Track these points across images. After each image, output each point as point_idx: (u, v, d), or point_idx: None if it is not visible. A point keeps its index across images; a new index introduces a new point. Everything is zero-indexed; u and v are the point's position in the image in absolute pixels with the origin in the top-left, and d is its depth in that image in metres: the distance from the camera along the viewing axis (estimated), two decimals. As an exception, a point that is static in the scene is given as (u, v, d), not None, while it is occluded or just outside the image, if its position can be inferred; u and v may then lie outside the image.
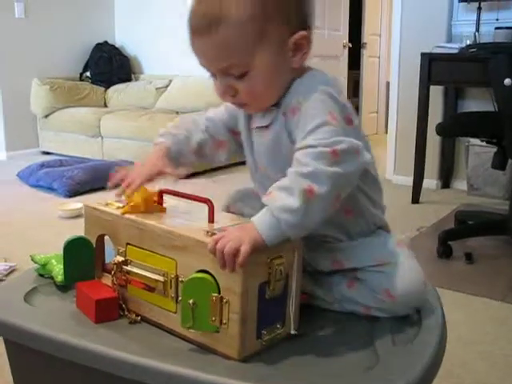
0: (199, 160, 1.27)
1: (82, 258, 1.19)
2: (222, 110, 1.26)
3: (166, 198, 1.19)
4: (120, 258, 1.12)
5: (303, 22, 1.05)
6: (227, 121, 1.25)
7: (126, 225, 1.12)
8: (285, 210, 0.94)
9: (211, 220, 1.06)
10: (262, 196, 1.04)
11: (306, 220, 0.95)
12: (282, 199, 0.94)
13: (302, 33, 1.03)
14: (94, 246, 1.20)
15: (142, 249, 1.09)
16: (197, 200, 1.09)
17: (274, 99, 1.09)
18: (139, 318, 1.11)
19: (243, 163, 1.21)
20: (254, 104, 1.11)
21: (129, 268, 1.11)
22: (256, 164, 1.17)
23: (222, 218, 1.10)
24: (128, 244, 1.12)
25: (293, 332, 1.03)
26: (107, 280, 1.16)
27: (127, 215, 1.12)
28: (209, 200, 1.07)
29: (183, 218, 1.11)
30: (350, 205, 1.10)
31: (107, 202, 1.20)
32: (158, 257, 1.06)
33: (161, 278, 1.05)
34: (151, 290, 1.07)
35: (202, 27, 1.00)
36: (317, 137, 0.97)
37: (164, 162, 1.18)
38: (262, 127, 1.12)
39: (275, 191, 0.97)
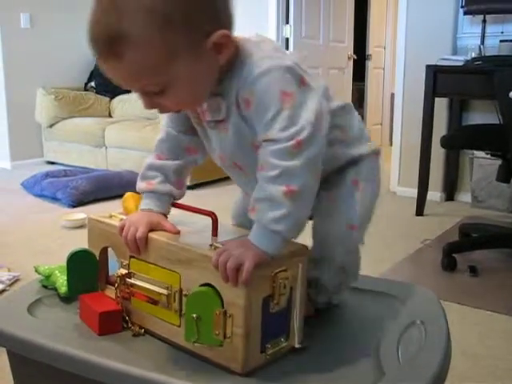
0: (186, 177, 1.22)
1: (86, 270, 1.18)
2: (167, 120, 1.20)
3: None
4: (123, 271, 1.12)
5: (217, 21, 0.96)
6: (180, 125, 1.18)
7: None
8: (276, 220, 0.93)
9: (215, 233, 1.06)
10: (240, 184, 1.15)
11: (300, 216, 0.96)
12: (269, 211, 0.94)
13: (220, 32, 0.95)
14: (98, 258, 1.19)
15: (146, 262, 1.09)
16: (201, 213, 1.08)
17: (205, 96, 1.04)
18: (143, 330, 1.11)
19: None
20: (186, 109, 1.10)
21: (132, 281, 1.11)
22: (222, 158, 1.13)
23: (226, 231, 1.09)
24: (131, 257, 1.11)
25: (297, 346, 1.03)
26: (111, 292, 1.16)
27: None
28: (213, 213, 1.06)
29: (188, 231, 1.11)
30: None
31: (111, 214, 1.20)
32: (162, 270, 1.05)
33: (164, 292, 1.04)
34: (155, 303, 1.07)
35: (104, 52, 0.93)
36: (275, 129, 0.94)
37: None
38: (217, 121, 1.07)
39: (258, 204, 0.96)
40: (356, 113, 1.18)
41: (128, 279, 1.11)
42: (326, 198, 1.12)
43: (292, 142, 0.93)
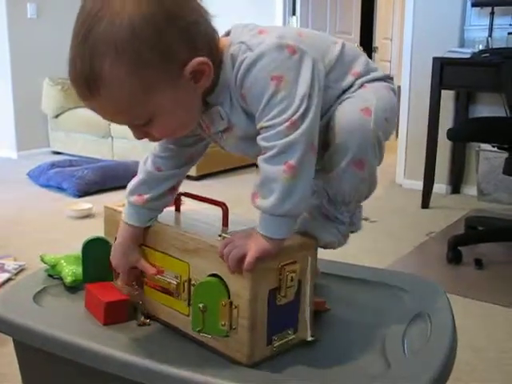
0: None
1: (101, 257, 1.19)
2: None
3: (185, 200, 1.21)
4: None
5: (193, 49, 0.94)
6: (177, 141, 1.16)
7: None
8: (279, 203, 0.93)
9: (225, 224, 1.06)
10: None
11: (301, 191, 0.95)
12: (271, 194, 0.94)
13: (196, 60, 0.93)
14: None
15: (157, 251, 1.09)
16: (212, 203, 1.09)
17: (194, 122, 1.05)
18: (148, 320, 1.12)
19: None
20: (176, 136, 1.08)
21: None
22: (234, 153, 1.15)
23: (238, 222, 1.09)
24: (143, 245, 1.12)
25: (310, 339, 1.03)
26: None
27: None
28: (223, 203, 1.07)
29: (199, 221, 1.11)
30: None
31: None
32: (172, 259, 1.06)
33: (174, 281, 1.05)
34: (165, 292, 1.08)
35: (83, 93, 0.93)
36: (270, 115, 0.95)
37: (134, 256, 1.14)
38: (223, 130, 1.07)
39: (259, 190, 0.95)
40: (354, 47, 1.16)
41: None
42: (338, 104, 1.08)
43: (286, 124, 0.93)
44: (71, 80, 0.94)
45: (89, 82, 0.91)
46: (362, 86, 1.10)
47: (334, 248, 1.14)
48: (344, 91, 1.09)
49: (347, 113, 1.05)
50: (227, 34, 1.05)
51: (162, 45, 0.91)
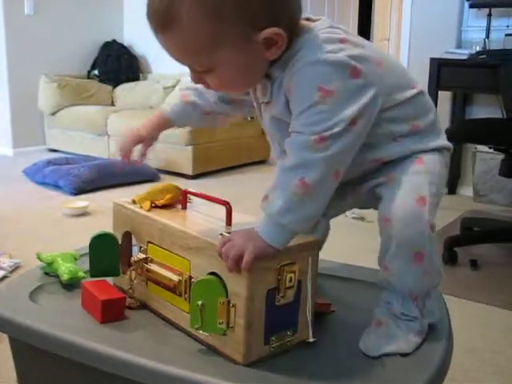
0: (223, 109, 1.29)
1: (108, 253, 1.19)
2: None
3: (192, 198, 1.22)
4: (141, 256, 1.15)
5: (273, 19, 0.95)
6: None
7: (147, 223, 1.14)
8: (282, 212, 0.93)
9: (229, 222, 1.07)
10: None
11: (308, 211, 0.94)
12: (278, 201, 0.93)
13: (272, 30, 0.94)
14: (121, 241, 1.21)
15: (162, 248, 1.10)
16: (216, 202, 1.10)
17: (251, 85, 1.09)
18: (139, 303, 1.16)
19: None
20: (230, 92, 1.13)
21: (148, 266, 1.13)
22: (271, 138, 1.17)
23: (242, 221, 1.09)
24: (149, 242, 1.13)
25: (311, 340, 1.03)
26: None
27: (149, 214, 1.15)
28: (227, 202, 1.07)
29: (204, 220, 1.12)
30: (378, 155, 1.07)
31: (134, 199, 1.22)
32: (175, 256, 1.07)
33: (176, 278, 1.06)
34: (168, 288, 1.08)
35: (157, 26, 0.97)
36: (304, 122, 0.94)
37: (151, 131, 1.28)
38: (266, 102, 1.09)
39: (270, 193, 0.95)
40: (429, 100, 1.13)
41: (145, 264, 1.14)
42: (385, 180, 1.07)
43: (315, 137, 0.92)
44: (148, 14, 0.98)
45: (164, 18, 0.95)
46: (417, 158, 1.07)
47: (409, 351, 1.03)
48: (395, 138, 1.06)
49: (400, 203, 1.02)
50: (315, 19, 1.05)
51: (245, 5, 0.93)
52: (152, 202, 1.18)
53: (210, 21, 0.93)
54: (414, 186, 1.03)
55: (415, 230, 1.02)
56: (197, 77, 1.03)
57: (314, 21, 1.04)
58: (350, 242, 2.97)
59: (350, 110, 0.94)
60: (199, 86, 1.16)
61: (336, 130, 0.92)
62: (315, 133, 0.92)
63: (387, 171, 1.07)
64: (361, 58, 0.97)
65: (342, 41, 0.99)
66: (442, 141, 1.12)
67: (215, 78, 1.01)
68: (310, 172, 0.92)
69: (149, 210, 1.16)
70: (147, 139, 1.29)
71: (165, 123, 1.30)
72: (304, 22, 1.03)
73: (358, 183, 1.12)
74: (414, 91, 1.08)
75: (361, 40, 1.04)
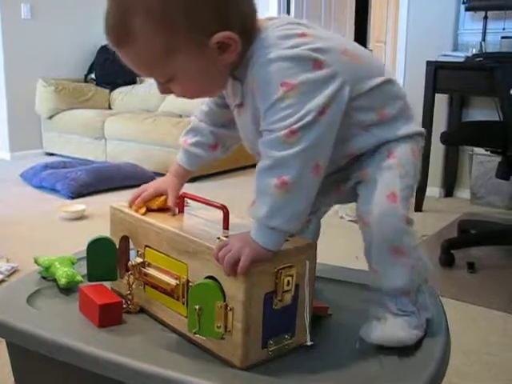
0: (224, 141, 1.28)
1: (105, 257, 1.19)
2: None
3: (190, 202, 1.22)
4: (139, 260, 1.15)
5: (224, 23, 0.96)
6: (218, 101, 1.23)
7: (145, 228, 1.14)
8: (270, 216, 0.93)
9: (226, 226, 1.07)
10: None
11: (295, 209, 0.94)
12: (263, 205, 0.94)
13: (223, 34, 0.95)
14: (118, 246, 1.21)
15: (159, 252, 1.10)
16: (213, 206, 1.10)
17: (215, 90, 1.10)
18: (138, 308, 1.16)
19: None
20: (197, 98, 1.12)
21: (145, 270, 1.13)
22: (247, 144, 1.17)
23: (240, 225, 1.09)
24: (146, 246, 1.13)
25: (309, 343, 1.03)
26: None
27: (146, 218, 1.15)
28: (224, 206, 1.07)
29: (202, 224, 1.12)
30: (351, 147, 1.07)
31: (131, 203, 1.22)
32: (172, 260, 1.07)
33: (173, 282, 1.06)
34: (165, 292, 1.08)
35: (114, 41, 1.00)
36: (272, 119, 0.94)
37: (176, 193, 1.23)
38: (238, 105, 1.09)
39: (256, 199, 0.96)
40: (398, 87, 1.13)
41: (142, 268, 1.14)
42: (361, 177, 1.08)
43: (285, 131, 0.92)
44: (104, 29, 1.00)
45: (119, 34, 0.98)
46: (388, 152, 1.06)
47: (411, 344, 1.04)
48: (364, 127, 1.06)
49: (374, 205, 1.03)
50: (278, 18, 1.06)
51: (193, 12, 0.95)
52: (146, 207, 1.19)
53: (162, 32, 0.95)
54: (386, 183, 1.04)
55: (390, 227, 1.03)
56: (162, 88, 1.06)
57: (275, 18, 1.06)
58: (347, 245, 2.97)
59: (317, 101, 0.94)
60: (194, 125, 1.25)
61: (305, 120, 0.92)
62: (285, 127, 0.92)
63: (362, 167, 1.08)
64: (323, 49, 0.98)
65: (301, 35, 0.99)
66: (414, 127, 1.11)
67: (178, 86, 1.03)
68: (286, 169, 0.92)
69: (144, 214, 1.16)
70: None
71: (183, 176, 1.28)
72: (261, 22, 1.04)
73: (340, 181, 1.13)
74: (381, 79, 1.07)
75: (324, 32, 1.05)
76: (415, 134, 1.11)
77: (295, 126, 0.92)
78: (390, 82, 1.10)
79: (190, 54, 0.97)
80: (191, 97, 1.09)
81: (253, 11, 1.02)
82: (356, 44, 1.12)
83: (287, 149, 0.92)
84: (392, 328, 1.04)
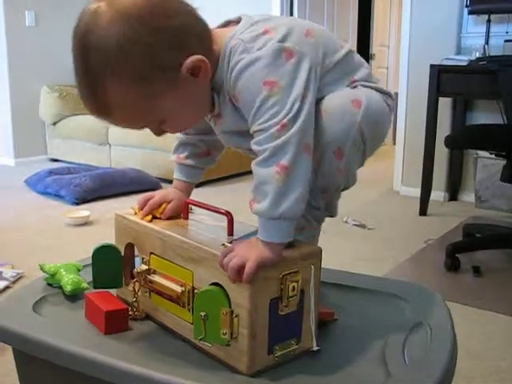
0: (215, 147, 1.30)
1: (110, 264, 1.20)
2: None
3: (194, 208, 1.22)
4: (144, 267, 1.15)
5: (184, 48, 0.99)
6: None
7: (150, 235, 1.14)
8: (274, 204, 0.94)
9: (230, 232, 1.07)
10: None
11: (297, 192, 0.95)
12: (266, 197, 0.94)
13: (191, 59, 0.98)
14: (123, 253, 1.21)
15: (164, 259, 1.10)
16: (217, 212, 1.10)
17: (206, 111, 1.11)
18: (144, 314, 1.16)
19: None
20: (192, 126, 1.16)
21: (151, 277, 1.13)
22: (226, 143, 1.21)
23: (244, 231, 1.09)
24: (152, 253, 1.13)
25: (315, 348, 1.03)
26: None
27: (151, 225, 1.15)
28: (228, 212, 1.07)
29: (206, 230, 1.12)
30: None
31: (136, 211, 1.22)
32: (178, 267, 1.07)
33: (179, 289, 1.06)
34: (171, 299, 1.08)
35: (98, 115, 1.03)
36: (262, 120, 0.97)
37: (181, 197, 1.25)
38: (216, 116, 1.12)
39: (255, 195, 0.97)
40: (359, 57, 1.18)
41: (148, 275, 1.14)
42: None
43: (277, 127, 0.95)
44: (81, 99, 1.03)
45: (100, 109, 1.01)
46: (355, 87, 1.11)
47: (306, 235, 1.15)
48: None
49: (336, 99, 1.08)
50: (237, 21, 1.08)
51: (153, 57, 0.96)
52: (152, 215, 1.19)
53: (136, 84, 0.97)
54: (352, 92, 1.09)
55: (342, 126, 1.06)
56: (156, 131, 1.08)
57: (235, 22, 1.08)
58: (351, 250, 2.97)
59: (297, 89, 0.97)
60: (181, 140, 1.27)
61: (292, 112, 0.96)
62: (275, 124, 0.95)
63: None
64: (287, 35, 1.01)
65: (265, 32, 1.02)
66: (379, 86, 1.16)
67: (171, 125, 1.06)
68: (283, 155, 0.94)
69: (150, 221, 1.17)
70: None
71: (186, 189, 1.29)
72: (224, 30, 1.07)
73: None
74: (344, 50, 1.13)
75: (283, 19, 1.09)
76: (384, 91, 1.16)
77: (285, 120, 0.95)
78: (351, 51, 1.15)
79: (169, 91, 1.00)
80: (186, 128, 1.14)
81: (204, 26, 1.04)
82: (313, 23, 1.15)
83: (281, 137, 0.95)
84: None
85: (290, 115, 0.95)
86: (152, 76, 0.97)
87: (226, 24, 1.11)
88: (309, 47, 1.03)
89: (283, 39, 1.01)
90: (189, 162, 1.27)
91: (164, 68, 0.98)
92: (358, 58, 1.17)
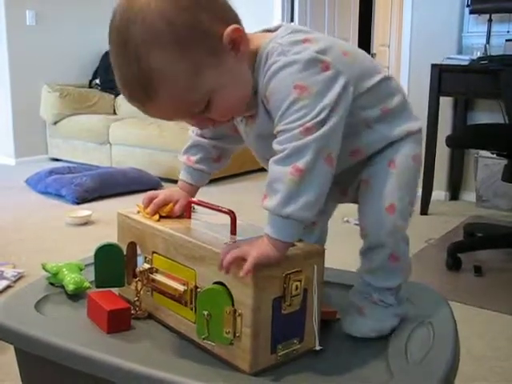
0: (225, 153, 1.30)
1: (113, 264, 1.19)
2: None
3: (197, 207, 1.22)
4: (146, 266, 1.14)
5: (225, 20, 0.98)
6: None
7: (152, 234, 1.14)
8: (283, 203, 0.93)
9: (233, 232, 1.07)
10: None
11: (309, 197, 0.94)
12: (277, 194, 0.94)
13: (230, 28, 0.97)
14: (126, 252, 1.21)
15: (167, 258, 1.10)
16: (220, 211, 1.10)
17: (249, 95, 1.06)
18: (146, 313, 1.16)
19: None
20: (236, 114, 1.11)
21: (153, 276, 1.13)
22: (253, 150, 1.19)
23: (247, 230, 1.09)
24: (154, 252, 1.13)
25: (317, 348, 1.02)
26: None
27: (154, 224, 1.15)
28: (231, 211, 1.07)
29: (209, 229, 1.12)
30: (356, 144, 1.10)
31: (138, 209, 1.22)
32: (180, 266, 1.07)
33: (181, 288, 1.06)
34: (174, 298, 1.08)
35: (139, 97, 0.99)
36: (287, 121, 0.96)
37: (185, 197, 1.23)
38: (250, 116, 1.11)
39: (267, 190, 0.96)
40: (396, 83, 1.16)
41: (150, 274, 1.14)
42: (362, 185, 1.13)
43: (300, 129, 0.94)
44: (122, 89, 1.00)
45: (143, 83, 0.96)
46: (389, 161, 1.10)
47: (386, 333, 1.11)
48: (368, 124, 1.09)
49: (374, 214, 1.10)
50: (275, 29, 1.08)
51: (196, 22, 0.95)
52: (159, 213, 1.19)
53: (180, 55, 0.95)
54: (385, 194, 1.09)
55: (388, 237, 1.10)
56: (201, 121, 1.05)
57: (274, 30, 1.08)
58: (353, 250, 2.96)
59: (329, 98, 0.96)
60: (194, 141, 1.25)
61: (319, 118, 0.94)
62: (299, 125, 0.94)
63: (364, 174, 1.12)
64: (326, 50, 1.01)
65: (305, 41, 1.01)
66: (415, 122, 1.17)
67: (217, 106, 1.01)
68: (301, 158, 0.93)
69: (158, 221, 1.16)
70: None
71: (191, 191, 1.27)
72: (262, 34, 1.07)
73: (346, 183, 1.17)
74: (379, 76, 1.11)
75: (323, 36, 1.07)
76: (417, 130, 1.16)
77: (309, 124, 0.94)
78: (387, 78, 1.13)
79: (214, 63, 0.98)
80: (230, 113, 1.07)
81: (238, 17, 1.04)
82: (352, 45, 1.15)
83: (303, 139, 0.94)
84: (374, 320, 1.11)
85: (316, 120, 0.94)
86: (197, 43, 0.95)
87: (266, 31, 1.10)
88: (345, 66, 1.01)
89: (322, 52, 1.00)
90: (199, 166, 1.25)
91: (207, 35, 0.96)
92: (394, 84, 1.15)
